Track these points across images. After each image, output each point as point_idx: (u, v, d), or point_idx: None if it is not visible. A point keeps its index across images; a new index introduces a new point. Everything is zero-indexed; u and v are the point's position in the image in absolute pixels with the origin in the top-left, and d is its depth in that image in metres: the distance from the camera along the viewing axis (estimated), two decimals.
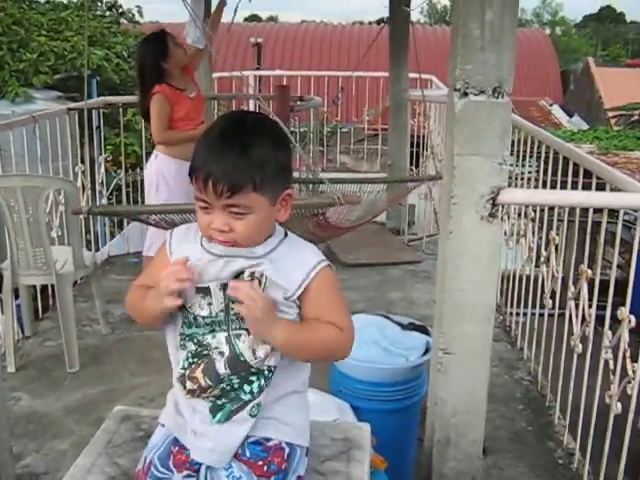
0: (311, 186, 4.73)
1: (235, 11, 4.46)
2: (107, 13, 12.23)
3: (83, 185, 4.98)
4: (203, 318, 1.59)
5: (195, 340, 1.61)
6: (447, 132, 2.34)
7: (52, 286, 4.10)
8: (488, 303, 2.33)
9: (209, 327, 1.59)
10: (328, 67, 16.47)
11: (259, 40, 16.83)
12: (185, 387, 1.61)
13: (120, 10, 12.38)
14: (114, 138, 7.65)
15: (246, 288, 1.51)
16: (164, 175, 4.14)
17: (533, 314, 3.82)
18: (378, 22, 28.23)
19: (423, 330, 2.80)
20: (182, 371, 1.62)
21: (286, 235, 1.63)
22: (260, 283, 1.53)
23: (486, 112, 2.18)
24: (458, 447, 2.47)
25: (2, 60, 8.96)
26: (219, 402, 1.60)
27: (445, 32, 19.56)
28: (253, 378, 1.59)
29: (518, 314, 4.14)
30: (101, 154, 5.47)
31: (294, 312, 1.58)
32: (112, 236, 6.06)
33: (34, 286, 4.23)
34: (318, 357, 1.67)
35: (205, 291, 1.58)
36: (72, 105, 5.49)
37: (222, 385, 1.60)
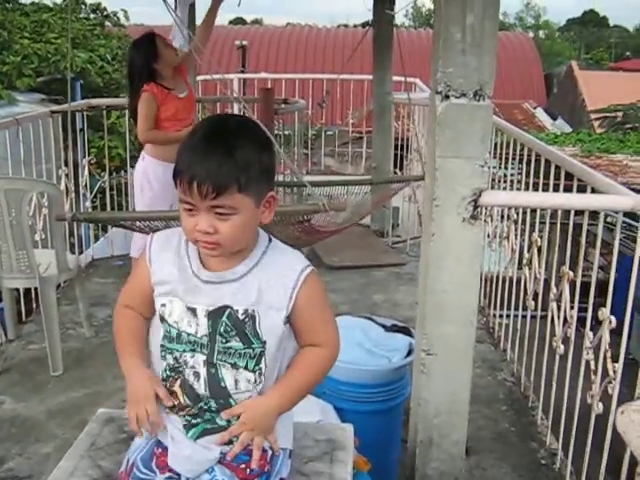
0: (295, 189, 4.75)
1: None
2: (91, 16, 12.20)
3: (67, 188, 4.96)
4: (187, 335, 1.60)
5: (173, 355, 1.62)
6: (429, 134, 2.36)
7: (35, 289, 4.09)
8: (470, 304, 2.34)
9: (190, 345, 1.60)
10: (313, 70, 16.51)
11: (244, 43, 16.84)
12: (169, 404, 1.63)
13: (105, 13, 12.36)
14: (98, 141, 7.63)
15: (235, 408, 1.59)
16: (149, 178, 4.14)
17: (516, 316, 3.84)
18: (363, 25, 28.29)
19: (406, 332, 2.81)
20: (164, 383, 1.63)
21: (270, 241, 1.64)
22: (254, 320, 1.57)
23: (467, 115, 2.20)
24: (441, 448, 2.48)
25: None
26: (194, 421, 1.62)
27: (429, 35, 19.60)
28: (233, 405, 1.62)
29: (501, 316, 4.16)
30: (85, 157, 5.44)
31: (284, 316, 1.59)
32: (96, 239, 6.04)
33: (17, 289, 4.21)
34: (313, 387, 1.73)
35: (194, 311, 1.59)
36: (55, 108, 5.46)
37: (200, 404, 1.62)
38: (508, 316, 3.97)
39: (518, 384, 3.70)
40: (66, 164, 5.14)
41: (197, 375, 1.60)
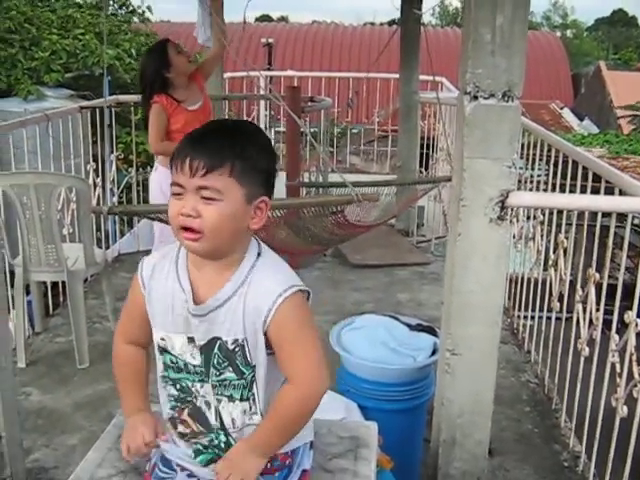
0: (320, 190, 4.76)
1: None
2: (118, 12, 12.27)
3: (94, 183, 5.02)
4: (193, 366, 1.59)
5: (179, 386, 1.62)
6: (457, 135, 2.35)
7: (62, 283, 4.13)
8: (496, 305, 2.34)
9: (199, 376, 1.60)
10: (339, 68, 16.52)
11: (270, 40, 16.86)
12: (176, 429, 1.65)
13: (131, 9, 12.43)
14: (125, 137, 7.68)
15: (219, 466, 1.57)
16: (162, 189, 4.12)
17: (540, 317, 3.83)
18: (390, 23, 28.23)
19: (431, 331, 2.81)
20: (171, 412, 1.65)
21: (259, 255, 1.58)
22: (244, 349, 1.54)
23: (496, 116, 2.20)
24: (464, 447, 2.48)
25: (14, 58, 9.00)
26: (204, 450, 1.64)
27: (456, 34, 19.55)
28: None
29: (526, 317, 4.15)
30: (112, 152, 5.49)
31: (263, 341, 1.55)
32: (122, 234, 6.11)
33: (44, 283, 4.27)
34: (299, 429, 1.63)
35: (194, 341, 1.58)
36: (85, 103, 5.53)
37: (212, 435, 1.63)
38: (533, 317, 3.96)
39: (542, 386, 3.69)
40: (94, 159, 5.19)
41: (208, 404, 1.61)
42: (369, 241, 5.16)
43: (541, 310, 3.82)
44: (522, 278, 4.20)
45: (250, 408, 1.60)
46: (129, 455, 1.65)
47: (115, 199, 5.34)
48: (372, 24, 31.06)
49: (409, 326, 2.86)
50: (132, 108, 5.86)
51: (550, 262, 3.47)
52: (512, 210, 2.29)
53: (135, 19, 12.64)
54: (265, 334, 1.53)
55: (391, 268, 5.37)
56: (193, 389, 1.61)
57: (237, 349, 1.55)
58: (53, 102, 8.36)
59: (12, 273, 3.81)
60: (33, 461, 3.02)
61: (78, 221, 4.04)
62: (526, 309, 4.12)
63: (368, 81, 8.84)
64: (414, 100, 6.02)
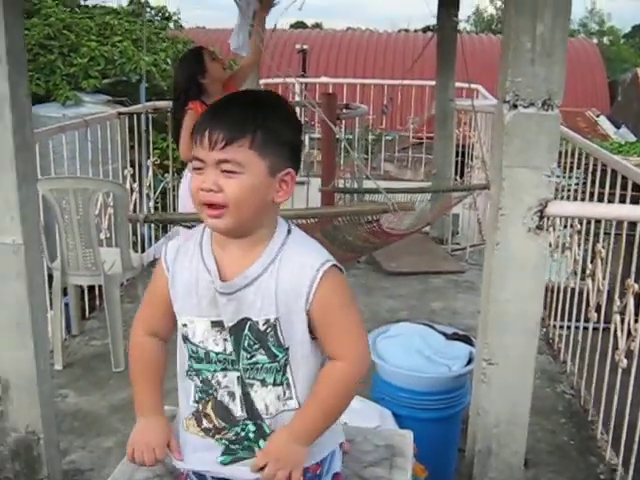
0: (355, 196, 4.76)
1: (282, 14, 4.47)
2: (155, 19, 12.39)
3: (131, 188, 5.07)
4: (216, 354, 1.52)
5: (201, 377, 1.55)
6: (495, 144, 2.35)
7: (99, 286, 4.18)
8: (533, 315, 2.32)
9: (221, 364, 1.53)
10: (373, 74, 16.48)
11: (304, 47, 16.90)
12: (201, 425, 1.57)
13: (166, 15, 12.54)
14: (161, 142, 7.75)
15: (258, 458, 1.51)
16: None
17: (577, 327, 3.79)
18: (424, 30, 28.13)
19: (467, 340, 2.80)
20: (196, 405, 1.57)
21: (290, 232, 1.53)
22: (276, 329, 1.48)
23: (535, 124, 2.19)
24: (499, 458, 2.46)
25: (53, 64, 9.14)
26: (232, 447, 1.56)
27: (491, 41, 19.45)
28: (270, 433, 1.55)
29: (562, 327, 4.11)
30: (149, 158, 5.54)
31: (305, 320, 1.49)
32: (157, 238, 6.15)
33: (81, 286, 4.32)
34: (340, 412, 1.56)
35: (221, 324, 1.51)
36: (122, 109, 5.60)
37: (237, 429, 1.55)
38: (569, 327, 3.91)
39: (578, 397, 3.65)
40: (131, 165, 5.25)
41: (232, 395, 1.54)
42: (403, 248, 5.15)
43: (577, 320, 3.78)
44: (558, 287, 4.16)
45: (284, 393, 1.53)
46: (131, 461, 1.64)
47: (151, 204, 5.39)
48: (406, 31, 31.01)
49: (445, 335, 2.85)
50: (168, 114, 5.89)
51: (587, 272, 3.44)
52: (549, 219, 2.27)
53: (171, 25, 12.76)
54: (307, 312, 1.47)
55: (425, 276, 5.35)
56: (213, 381, 1.54)
57: (269, 330, 1.48)
58: (90, 107, 8.46)
59: (50, 276, 3.87)
60: (69, 463, 3.06)
61: (115, 226, 4.08)
62: (562, 319, 4.08)
63: (403, 88, 8.84)
64: (450, 107, 6.00)
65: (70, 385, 3.69)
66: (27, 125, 2.42)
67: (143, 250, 5.60)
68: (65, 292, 4.09)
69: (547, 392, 3.70)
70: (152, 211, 5.35)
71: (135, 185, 5.16)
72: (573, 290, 3.86)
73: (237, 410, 1.54)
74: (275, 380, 1.52)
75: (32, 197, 2.48)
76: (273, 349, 1.50)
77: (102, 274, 3.76)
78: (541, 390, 3.67)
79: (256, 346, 1.50)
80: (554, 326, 4.27)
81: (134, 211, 4.83)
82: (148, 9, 12.38)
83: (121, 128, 5.27)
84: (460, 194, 4.51)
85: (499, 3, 41.99)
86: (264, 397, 1.53)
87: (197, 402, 1.57)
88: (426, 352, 2.69)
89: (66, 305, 4.18)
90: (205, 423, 1.57)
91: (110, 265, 3.83)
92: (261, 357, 1.50)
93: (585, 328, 3.59)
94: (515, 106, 2.18)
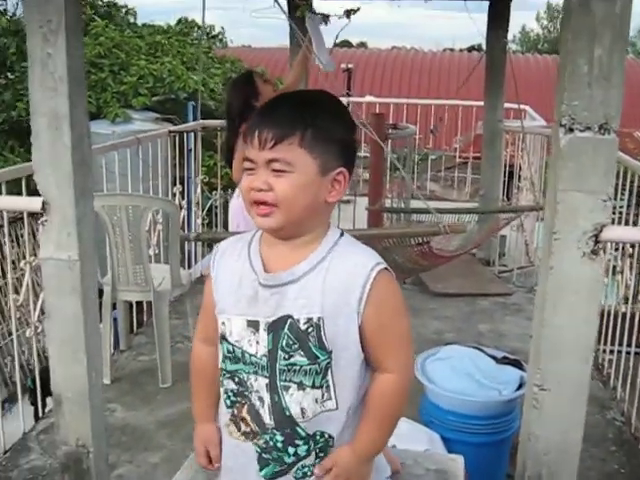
0: (402, 215, 4.77)
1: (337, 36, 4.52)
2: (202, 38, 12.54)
3: (180, 205, 5.13)
4: (250, 356, 1.49)
5: (237, 379, 1.52)
6: (550, 167, 2.33)
7: (147, 302, 4.22)
8: (587, 340, 2.29)
9: (253, 367, 1.49)
10: (417, 94, 16.49)
11: (350, 66, 16.97)
12: (240, 429, 1.54)
13: (212, 34, 12.71)
14: (208, 160, 7.84)
15: (322, 465, 1.49)
16: (244, 215, 4.17)
17: (628, 353, 3.72)
18: (469, 49, 28.08)
19: (517, 364, 2.77)
20: (231, 410, 1.55)
21: (342, 235, 1.50)
22: (320, 329, 1.43)
23: (591, 148, 2.16)
24: None
25: (104, 82, 9.31)
26: (264, 455, 1.52)
27: (537, 61, 19.33)
28: (299, 442, 1.49)
29: (612, 352, 4.03)
30: (197, 176, 5.60)
31: (356, 321, 1.44)
32: (203, 255, 6.20)
33: (129, 301, 4.37)
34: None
35: (256, 325, 1.48)
36: (173, 127, 5.68)
37: (266, 437, 1.51)
38: (619, 352, 3.85)
39: (628, 424, 3.58)
40: (181, 182, 5.31)
41: (262, 401, 1.50)
42: (450, 270, 5.11)
43: (628, 345, 3.72)
44: (608, 312, 4.09)
45: (323, 396, 1.47)
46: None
47: (199, 221, 5.45)
48: (452, 50, 30.97)
49: (495, 358, 2.82)
50: (219, 133, 5.97)
51: None
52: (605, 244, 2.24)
53: (218, 44, 12.94)
54: (359, 313, 1.43)
55: (472, 298, 5.31)
56: (248, 383, 1.50)
57: (310, 330, 1.43)
58: (139, 125, 8.61)
59: (100, 291, 3.92)
60: (117, 477, 3.09)
61: (168, 243, 4.12)
62: (612, 344, 4.01)
63: (449, 108, 8.82)
64: (498, 128, 5.96)
65: (118, 400, 3.73)
66: (85, 142, 2.46)
67: (189, 266, 5.66)
68: (113, 307, 4.14)
69: (597, 419, 3.63)
70: (200, 228, 5.40)
71: (184, 202, 5.22)
72: (624, 315, 3.79)
73: (266, 417, 1.50)
74: (314, 383, 1.46)
75: (88, 213, 2.52)
76: (314, 350, 1.44)
77: (152, 290, 3.80)
78: (591, 417, 3.58)
79: (295, 346, 1.45)
80: (604, 351, 4.19)
81: (182, 228, 4.89)
82: (195, 28, 12.58)
83: (170, 145, 5.35)
84: (508, 215, 4.47)
85: (545, 22, 41.77)
86: (300, 401, 1.47)
87: (232, 406, 1.55)
88: (476, 376, 2.67)
89: (114, 320, 4.23)
90: (244, 427, 1.54)
91: (159, 281, 3.87)
92: (300, 358, 1.45)
93: (637, 353, 3.53)
94: (571, 130, 2.16)
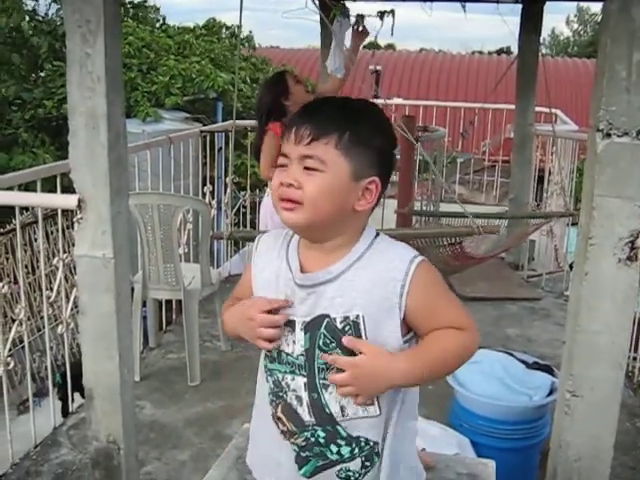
0: (431, 219, 4.76)
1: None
2: (230, 39, 12.55)
3: (210, 204, 5.16)
4: (287, 355, 1.48)
5: (273, 378, 1.52)
6: (586, 172, 2.31)
7: (177, 301, 4.25)
8: (621, 347, 2.27)
9: (290, 367, 1.48)
10: (445, 97, 16.42)
11: (378, 68, 16.94)
12: (278, 428, 1.53)
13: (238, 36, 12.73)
14: (236, 159, 7.88)
15: (343, 360, 1.41)
16: (272, 215, 4.19)
17: None
18: (498, 52, 27.96)
19: (548, 370, 2.76)
20: (270, 408, 1.53)
21: (377, 235, 1.49)
22: (358, 327, 1.41)
23: (629, 154, 2.14)
24: None
25: (134, 82, 9.38)
26: (303, 454, 1.50)
27: (567, 64, 19.18)
28: (341, 442, 1.47)
29: None
30: (227, 175, 5.63)
31: (398, 317, 1.42)
32: (231, 255, 6.22)
33: (159, 300, 4.40)
34: (446, 373, 1.53)
35: (292, 325, 1.47)
36: (205, 127, 5.72)
37: (306, 434, 1.49)
38: None
39: None
40: (212, 182, 5.33)
41: (300, 400, 1.47)
42: (478, 274, 5.09)
43: None
44: (638, 319, 4.05)
45: (365, 410, 1.45)
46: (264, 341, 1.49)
47: (229, 221, 5.47)
48: (480, 53, 30.83)
49: (525, 364, 2.81)
50: (248, 132, 5.99)
51: None
52: None
53: (246, 45, 12.97)
54: (401, 307, 1.40)
55: (501, 302, 5.27)
56: (283, 383, 1.49)
57: (348, 328, 1.41)
58: (169, 124, 8.67)
59: (131, 289, 3.96)
60: (146, 474, 3.11)
61: (197, 242, 4.15)
62: None
63: (479, 111, 8.78)
64: (529, 132, 5.92)
65: (147, 397, 3.76)
66: (121, 142, 2.49)
67: (218, 266, 5.69)
68: (143, 305, 4.18)
69: (627, 427, 3.60)
70: (229, 228, 5.42)
71: (214, 202, 5.25)
72: None
73: (305, 415, 1.48)
74: None
75: (123, 212, 2.54)
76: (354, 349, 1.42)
77: (182, 289, 3.83)
78: (620, 424, 3.51)
79: (332, 344, 1.43)
80: (634, 358, 4.16)
81: (211, 227, 4.92)
82: (224, 29, 12.61)
83: (200, 145, 5.38)
84: (539, 221, 4.44)
85: (575, 26, 41.43)
86: (340, 399, 1.45)
87: (270, 404, 1.53)
88: (507, 380, 2.66)
89: (144, 318, 4.26)
90: (281, 426, 1.52)
91: (189, 280, 3.90)
92: (341, 353, 1.43)
93: None
94: (609, 135, 2.15)
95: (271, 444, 1.56)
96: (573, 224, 5.58)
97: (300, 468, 1.51)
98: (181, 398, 3.76)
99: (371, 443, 1.47)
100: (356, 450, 1.47)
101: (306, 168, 1.39)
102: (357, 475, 1.49)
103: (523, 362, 2.82)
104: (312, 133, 1.38)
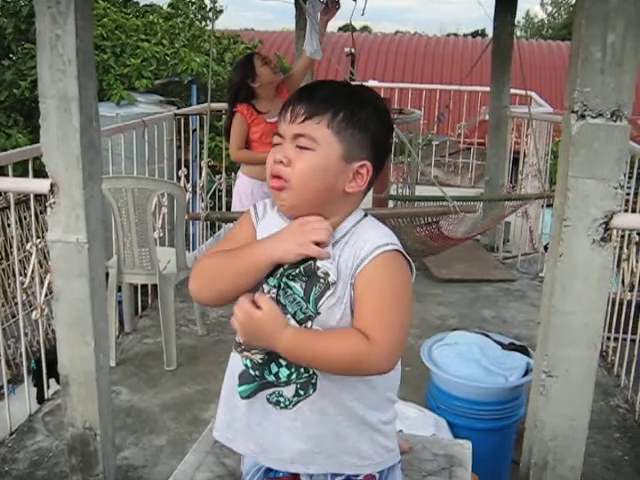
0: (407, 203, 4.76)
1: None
2: (197, 14, 12.33)
3: (185, 188, 5.12)
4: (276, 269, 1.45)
5: (267, 287, 1.45)
6: (561, 154, 2.32)
7: (153, 285, 4.22)
8: (595, 327, 2.29)
9: (273, 279, 1.45)
10: (421, 79, 16.44)
11: (353, 50, 16.88)
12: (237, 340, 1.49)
13: (207, 9, 12.52)
14: (210, 142, 7.82)
15: (246, 305, 1.38)
16: (241, 196, 4.22)
17: (633, 340, 3.72)
18: (473, 35, 27.98)
19: (524, 351, 2.78)
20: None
21: (365, 215, 1.49)
22: (329, 288, 1.39)
23: (603, 135, 2.15)
24: (555, 471, 2.43)
25: (106, 64, 9.27)
26: (252, 372, 1.47)
27: (542, 47, 19.25)
28: (282, 362, 1.44)
29: (616, 339, 4.04)
30: (202, 159, 5.59)
31: (347, 295, 1.40)
32: (205, 238, 6.19)
33: (134, 284, 4.37)
34: (332, 371, 1.41)
35: None
36: (179, 110, 5.68)
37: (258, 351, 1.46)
38: (624, 340, 3.85)
39: (632, 411, 3.59)
40: (182, 165, 5.30)
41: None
42: (454, 255, 5.12)
43: (633, 333, 3.73)
44: (613, 299, 4.09)
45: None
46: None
47: (203, 205, 5.44)
48: (455, 35, 30.80)
49: (501, 345, 2.83)
50: (223, 115, 5.95)
51: None
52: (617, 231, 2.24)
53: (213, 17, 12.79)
54: (352, 285, 1.39)
55: (476, 283, 5.31)
56: (265, 289, 1.45)
57: (322, 281, 1.39)
58: (143, 107, 8.59)
59: (105, 274, 3.92)
60: (122, 459, 3.10)
61: (172, 226, 4.12)
62: (616, 331, 4.01)
63: (454, 93, 8.78)
64: (504, 114, 5.93)
65: (123, 382, 3.74)
66: (94, 125, 2.46)
67: (193, 249, 5.66)
68: (118, 289, 4.15)
69: (601, 406, 3.64)
70: (207, 209, 5.40)
71: (189, 185, 5.22)
72: (629, 302, 3.79)
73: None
74: (296, 315, 1.42)
75: (96, 196, 2.51)
76: (311, 296, 1.40)
77: (157, 273, 3.80)
78: (594, 404, 3.56)
79: (302, 277, 1.41)
80: (608, 338, 4.20)
81: (187, 211, 4.89)
82: (190, 5, 12.40)
83: (173, 128, 5.34)
84: (516, 203, 4.46)
85: (550, 8, 41.54)
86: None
87: None
88: (483, 362, 2.68)
89: (119, 303, 4.24)
90: (238, 338, 1.48)
91: (165, 265, 3.87)
92: (298, 288, 1.42)
93: None
94: (583, 116, 2.15)
95: (231, 360, 1.53)
96: (548, 206, 5.61)
97: (239, 385, 1.48)
98: (157, 383, 3.75)
99: (310, 372, 1.43)
100: (294, 375, 1.44)
101: (298, 147, 1.40)
102: (287, 403, 1.46)
103: (499, 343, 2.84)
104: (306, 112, 1.39)
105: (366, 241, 1.41)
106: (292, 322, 1.41)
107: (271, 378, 1.46)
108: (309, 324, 1.41)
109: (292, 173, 1.39)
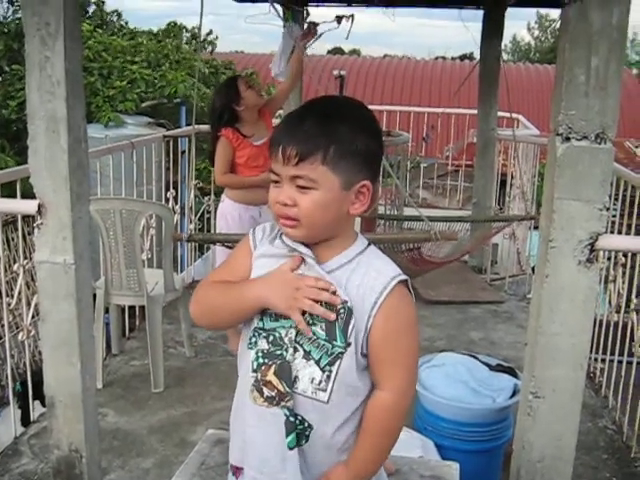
0: (395, 222, 4.77)
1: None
2: (191, 42, 12.45)
3: (173, 210, 5.12)
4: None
5: (272, 337, 1.48)
6: (546, 176, 2.34)
7: (140, 307, 4.21)
8: (582, 348, 2.30)
9: (292, 321, 1.47)
10: (409, 102, 16.53)
11: (342, 73, 16.97)
12: (263, 394, 1.48)
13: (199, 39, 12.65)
14: (199, 164, 7.82)
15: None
16: (227, 220, 4.17)
17: (620, 362, 3.74)
18: (462, 58, 28.19)
19: (511, 372, 2.78)
20: (255, 375, 1.49)
21: (369, 245, 1.54)
22: (351, 315, 1.42)
23: (588, 157, 2.18)
24: None
25: (94, 86, 9.27)
26: (292, 419, 1.46)
27: (529, 70, 19.42)
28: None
29: (603, 360, 4.05)
30: (191, 180, 5.60)
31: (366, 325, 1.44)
32: (194, 260, 6.18)
33: (122, 306, 4.35)
34: (392, 445, 1.55)
35: None
36: (168, 132, 5.68)
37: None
38: (611, 361, 3.86)
39: (620, 433, 3.59)
40: (175, 187, 5.30)
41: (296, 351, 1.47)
42: (442, 277, 5.13)
43: (620, 354, 3.74)
44: (600, 320, 4.10)
45: (320, 382, 1.45)
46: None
47: (192, 226, 5.45)
48: (444, 58, 31.03)
49: (489, 366, 2.83)
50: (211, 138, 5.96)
51: (632, 305, 3.39)
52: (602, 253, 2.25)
53: (208, 47, 12.89)
54: (369, 319, 1.44)
55: (464, 305, 5.31)
56: (286, 339, 1.47)
57: (342, 311, 1.43)
58: (132, 129, 8.56)
59: (92, 295, 3.91)
60: None
61: (161, 247, 4.11)
62: (604, 352, 4.02)
63: (441, 116, 8.84)
64: (492, 137, 5.97)
65: (110, 404, 3.71)
66: (82, 146, 2.46)
67: (181, 271, 5.65)
68: (106, 311, 4.13)
69: (588, 427, 3.64)
70: (192, 231, 5.39)
71: (177, 207, 5.22)
72: (616, 324, 3.80)
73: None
74: (319, 361, 1.45)
75: (84, 217, 2.51)
76: (336, 331, 1.43)
77: (145, 295, 3.79)
78: (582, 425, 3.57)
79: (320, 319, 1.44)
80: (595, 359, 4.21)
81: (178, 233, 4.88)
82: (184, 31, 12.51)
83: (162, 150, 5.35)
84: (500, 224, 4.48)
85: (536, 32, 41.95)
86: (299, 369, 1.46)
87: (257, 370, 1.49)
88: (470, 383, 2.68)
89: (106, 324, 4.21)
90: (266, 392, 1.48)
91: (152, 286, 3.86)
92: (320, 331, 1.44)
93: (629, 362, 3.54)
94: (568, 139, 2.18)
95: (258, 416, 1.51)
96: (535, 227, 5.64)
97: (287, 435, 1.47)
98: (145, 405, 3.72)
99: (305, 424, 1.48)
100: (297, 423, 1.48)
101: (298, 186, 1.42)
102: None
103: (487, 365, 2.84)
104: (298, 153, 1.40)
105: (379, 270, 1.47)
106: (315, 369, 1.45)
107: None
108: (336, 365, 1.44)
109: (300, 213, 1.43)
